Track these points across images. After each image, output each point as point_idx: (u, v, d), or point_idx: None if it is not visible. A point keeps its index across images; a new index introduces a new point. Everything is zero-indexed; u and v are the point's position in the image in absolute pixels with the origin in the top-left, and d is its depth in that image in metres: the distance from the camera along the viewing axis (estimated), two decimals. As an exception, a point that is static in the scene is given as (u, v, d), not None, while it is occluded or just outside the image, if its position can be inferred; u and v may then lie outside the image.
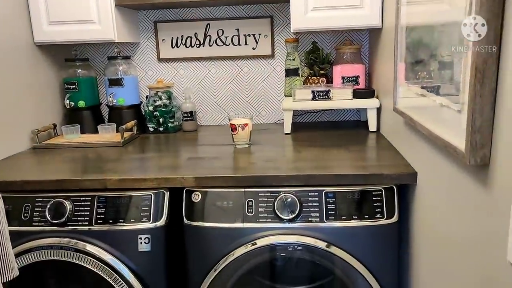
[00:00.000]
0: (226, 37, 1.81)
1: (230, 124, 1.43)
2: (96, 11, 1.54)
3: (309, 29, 1.50)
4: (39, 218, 1.16)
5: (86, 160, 1.39)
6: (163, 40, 1.83)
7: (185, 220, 1.16)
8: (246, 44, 1.81)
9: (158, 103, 1.74)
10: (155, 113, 1.74)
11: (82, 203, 1.16)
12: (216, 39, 1.81)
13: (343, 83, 1.65)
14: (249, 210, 1.13)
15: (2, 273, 0.77)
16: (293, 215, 1.10)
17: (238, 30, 1.80)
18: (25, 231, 1.16)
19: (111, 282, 1.13)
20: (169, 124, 1.75)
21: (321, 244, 1.11)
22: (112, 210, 1.15)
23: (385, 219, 1.10)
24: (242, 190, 1.14)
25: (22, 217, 1.16)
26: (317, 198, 1.12)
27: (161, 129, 1.76)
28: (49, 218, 1.14)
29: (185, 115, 1.77)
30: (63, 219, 1.14)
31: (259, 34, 1.79)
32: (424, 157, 1.00)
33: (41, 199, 1.17)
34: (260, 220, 1.12)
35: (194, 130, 1.78)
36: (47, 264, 1.16)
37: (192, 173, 1.15)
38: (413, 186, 1.09)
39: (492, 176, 0.64)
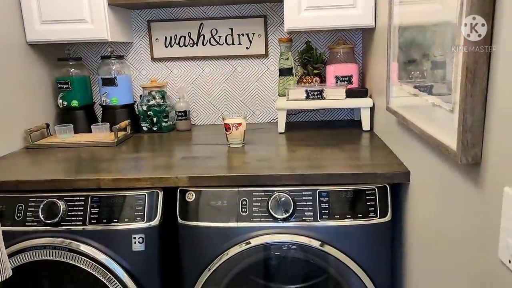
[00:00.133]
0: (219, 37, 1.81)
1: (224, 123, 1.43)
2: (89, 10, 1.53)
3: (303, 29, 1.51)
4: (32, 218, 1.15)
5: (80, 160, 1.39)
6: (156, 39, 1.83)
7: (179, 220, 1.16)
8: (240, 43, 1.81)
9: (151, 102, 1.73)
10: (148, 112, 1.74)
11: (76, 203, 1.15)
12: (210, 38, 1.81)
13: (337, 82, 1.65)
14: (243, 210, 1.13)
15: (-5, 273, 0.77)
16: (287, 214, 1.11)
17: (231, 29, 1.80)
18: (18, 231, 1.15)
19: (105, 282, 1.13)
20: (163, 124, 1.75)
21: (315, 243, 1.11)
22: (106, 210, 1.14)
23: (379, 218, 1.11)
24: (236, 189, 1.14)
25: (15, 217, 1.15)
26: (311, 197, 1.12)
27: (155, 128, 1.75)
28: (42, 218, 1.13)
29: (179, 114, 1.76)
30: (57, 219, 1.13)
31: (253, 34, 1.79)
32: (417, 156, 1.01)
33: (34, 199, 1.16)
34: (254, 219, 1.12)
35: (188, 129, 1.78)
36: (41, 264, 1.15)
37: (186, 173, 1.15)
38: (406, 185, 1.10)
39: (483, 175, 0.65)
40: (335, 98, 1.58)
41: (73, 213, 1.15)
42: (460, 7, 0.65)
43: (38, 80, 1.65)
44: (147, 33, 1.83)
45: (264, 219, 1.12)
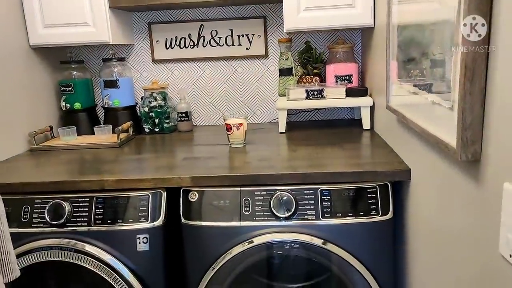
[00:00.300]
0: (219, 38, 1.82)
1: (225, 124, 1.44)
2: (91, 14, 1.54)
3: (302, 29, 1.52)
4: (39, 220, 1.16)
5: (83, 162, 1.40)
6: (157, 41, 1.84)
7: (183, 220, 1.17)
8: (239, 44, 1.82)
9: (153, 104, 1.75)
10: (150, 114, 1.75)
11: (81, 204, 1.16)
12: (210, 39, 1.82)
13: (337, 82, 1.66)
14: (245, 209, 1.14)
15: (4, 274, 0.78)
16: (289, 213, 1.11)
17: (231, 30, 1.81)
18: (25, 233, 1.16)
19: (110, 282, 1.14)
20: (165, 125, 1.76)
21: (317, 241, 1.12)
22: (110, 210, 1.15)
23: (380, 216, 1.12)
24: (238, 189, 1.15)
25: (22, 219, 1.17)
26: (313, 196, 1.13)
27: (156, 129, 1.76)
28: (48, 220, 1.15)
29: (180, 115, 1.77)
30: (62, 220, 1.14)
31: (253, 35, 1.81)
32: (417, 154, 1.02)
33: (40, 201, 1.17)
34: (256, 218, 1.13)
35: (189, 130, 1.79)
36: (47, 265, 1.16)
37: (189, 173, 1.16)
38: (407, 183, 1.11)
39: (483, 172, 0.65)
40: (335, 98, 1.59)
41: (78, 214, 1.16)
42: (457, 6, 0.66)
43: (41, 83, 1.67)
44: (148, 35, 1.84)
45: (266, 218, 1.13)
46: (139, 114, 1.81)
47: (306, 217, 1.12)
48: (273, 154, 1.36)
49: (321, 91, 1.59)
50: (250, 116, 1.88)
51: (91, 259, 1.14)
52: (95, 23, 1.55)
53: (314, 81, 1.72)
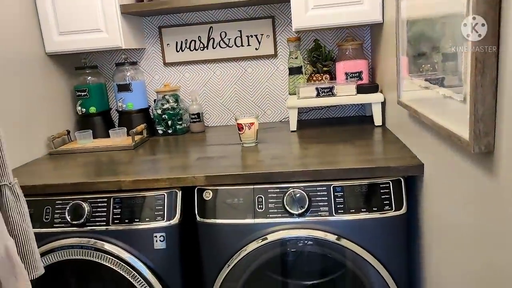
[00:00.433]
0: (229, 39, 1.84)
1: (237, 123, 1.46)
2: (103, 20, 1.58)
3: (310, 27, 1.52)
4: (60, 220, 1.20)
5: (100, 164, 1.43)
6: (167, 44, 1.87)
7: (198, 218, 1.19)
8: (249, 45, 1.83)
9: (166, 106, 1.78)
10: (163, 116, 1.78)
11: (99, 204, 1.20)
12: (220, 41, 1.85)
13: (347, 79, 1.67)
14: (259, 206, 1.16)
15: (29, 271, 0.81)
16: (303, 210, 1.13)
17: (240, 31, 1.83)
18: (47, 233, 1.20)
19: (129, 279, 1.17)
20: (178, 126, 1.79)
21: (331, 237, 1.13)
22: (127, 210, 1.18)
23: (394, 211, 1.12)
24: (252, 187, 1.17)
25: (44, 219, 1.21)
26: (326, 193, 1.14)
27: (170, 131, 1.79)
28: (69, 220, 1.18)
29: (193, 117, 1.80)
30: (82, 220, 1.18)
31: (261, 35, 1.82)
32: (430, 148, 1.02)
33: (61, 202, 1.21)
34: (270, 215, 1.15)
35: (202, 131, 1.82)
36: (69, 263, 1.20)
37: (203, 172, 1.18)
38: (420, 177, 1.11)
39: (497, 163, 0.65)
40: (345, 95, 1.59)
41: (97, 214, 1.19)
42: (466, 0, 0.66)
43: (57, 89, 1.71)
44: (159, 39, 1.87)
45: (280, 215, 1.14)
46: (152, 117, 1.85)
47: (319, 213, 1.13)
48: (285, 152, 1.37)
49: (331, 88, 1.60)
50: (261, 115, 1.89)
51: (111, 257, 1.17)
52: (108, 29, 1.59)
53: (324, 78, 1.73)
